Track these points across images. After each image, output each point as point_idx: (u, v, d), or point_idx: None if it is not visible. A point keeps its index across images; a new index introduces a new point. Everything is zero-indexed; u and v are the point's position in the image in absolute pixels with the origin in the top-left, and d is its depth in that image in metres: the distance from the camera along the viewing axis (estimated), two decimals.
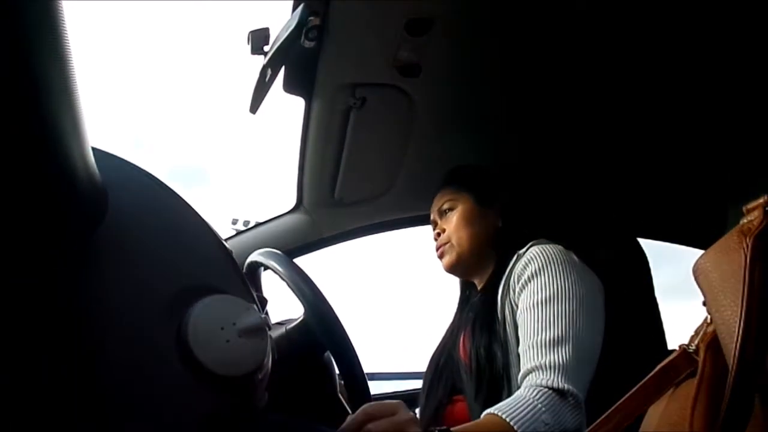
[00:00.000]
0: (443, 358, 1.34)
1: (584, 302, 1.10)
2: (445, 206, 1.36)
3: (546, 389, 1.01)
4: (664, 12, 1.09)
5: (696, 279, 0.57)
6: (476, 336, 1.21)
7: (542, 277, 1.12)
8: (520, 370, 1.08)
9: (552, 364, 1.02)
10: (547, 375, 1.02)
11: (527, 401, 1.00)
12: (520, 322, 1.13)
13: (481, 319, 1.22)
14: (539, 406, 0.98)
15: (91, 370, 0.50)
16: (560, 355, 1.03)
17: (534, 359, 1.05)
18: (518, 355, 1.11)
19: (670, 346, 1.37)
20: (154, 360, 0.54)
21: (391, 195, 1.67)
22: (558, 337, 1.05)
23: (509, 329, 1.16)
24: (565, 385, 1.00)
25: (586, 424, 1.09)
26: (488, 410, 0.99)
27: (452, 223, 1.33)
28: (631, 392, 0.63)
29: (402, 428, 0.81)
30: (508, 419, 0.96)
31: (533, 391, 1.01)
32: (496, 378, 1.14)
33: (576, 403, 1.00)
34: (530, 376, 1.04)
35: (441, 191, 1.39)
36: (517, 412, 0.98)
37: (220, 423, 0.57)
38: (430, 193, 1.44)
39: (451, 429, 0.94)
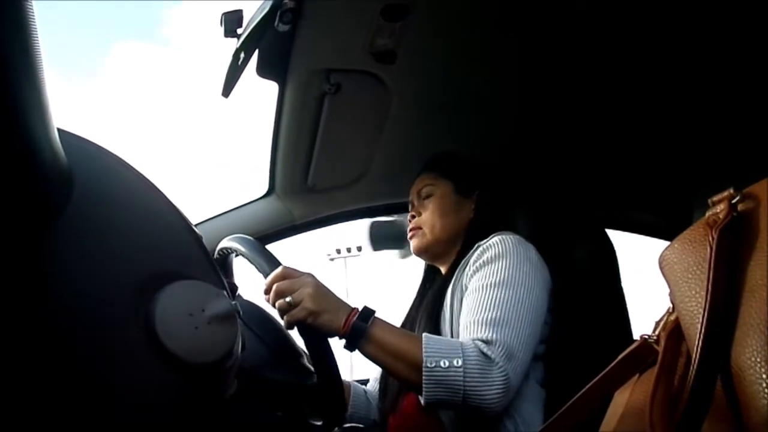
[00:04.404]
0: None
1: (531, 294, 1.11)
2: (424, 190, 1.36)
3: (477, 348, 1.01)
4: (636, 4, 1.10)
5: (661, 270, 0.58)
6: (419, 327, 1.23)
7: (497, 262, 1.13)
8: None
9: (490, 338, 1.02)
10: (482, 342, 1.02)
11: (454, 344, 1.02)
12: (465, 302, 1.13)
13: (429, 309, 1.24)
14: (460, 351, 0.99)
15: (57, 359, 0.49)
16: (500, 333, 1.03)
17: (474, 333, 1.05)
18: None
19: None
20: (121, 347, 0.53)
21: (364, 182, 1.67)
22: (501, 318, 1.05)
23: (455, 316, 1.17)
24: (497, 357, 1.00)
25: (541, 415, 1.11)
26: (425, 333, 1.04)
27: (428, 209, 1.34)
28: (592, 382, 0.64)
29: (294, 286, 0.98)
30: (425, 347, 0.99)
31: (467, 341, 1.03)
32: None
33: (503, 378, 0.99)
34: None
35: (422, 175, 1.40)
36: (438, 346, 1.00)
37: (189, 410, 0.57)
38: (405, 181, 1.44)
39: (377, 316, 1.03)
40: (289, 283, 0.99)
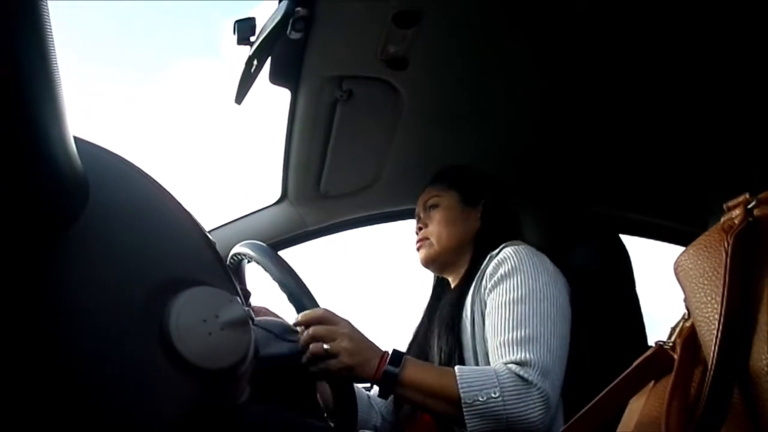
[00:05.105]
0: (415, 354, 1.34)
1: (555, 304, 1.11)
2: (431, 202, 1.37)
3: (512, 373, 1.01)
4: (654, 8, 1.10)
5: (676, 276, 0.58)
6: (440, 338, 1.23)
7: (515, 277, 1.13)
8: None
9: (523, 359, 1.02)
10: (516, 365, 1.02)
11: (488, 373, 1.01)
12: (489, 320, 1.13)
13: (448, 320, 1.23)
14: (496, 380, 0.99)
15: (73, 364, 0.50)
16: (532, 352, 1.03)
17: (506, 356, 1.05)
18: (486, 355, 1.12)
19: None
20: (136, 353, 0.53)
21: (376, 188, 1.67)
22: (530, 335, 1.05)
23: (477, 329, 1.17)
24: (533, 378, 1.00)
25: (562, 423, 1.11)
26: (457, 367, 1.03)
27: (435, 220, 1.34)
28: (607, 389, 0.64)
29: (333, 335, 0.97)
30: (459, 383, 0.99)
31: (500, 367, 1.02)
32: None
33: (543, 398, 0.99)
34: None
35: (429, 187, 1.41)
36: (472, 378, 1.00)
37: (202, 416, 0.57)
38: (416, 187, 1.44)
39: (408, 357, 1.02)
40: (327, 330, 0.98)
